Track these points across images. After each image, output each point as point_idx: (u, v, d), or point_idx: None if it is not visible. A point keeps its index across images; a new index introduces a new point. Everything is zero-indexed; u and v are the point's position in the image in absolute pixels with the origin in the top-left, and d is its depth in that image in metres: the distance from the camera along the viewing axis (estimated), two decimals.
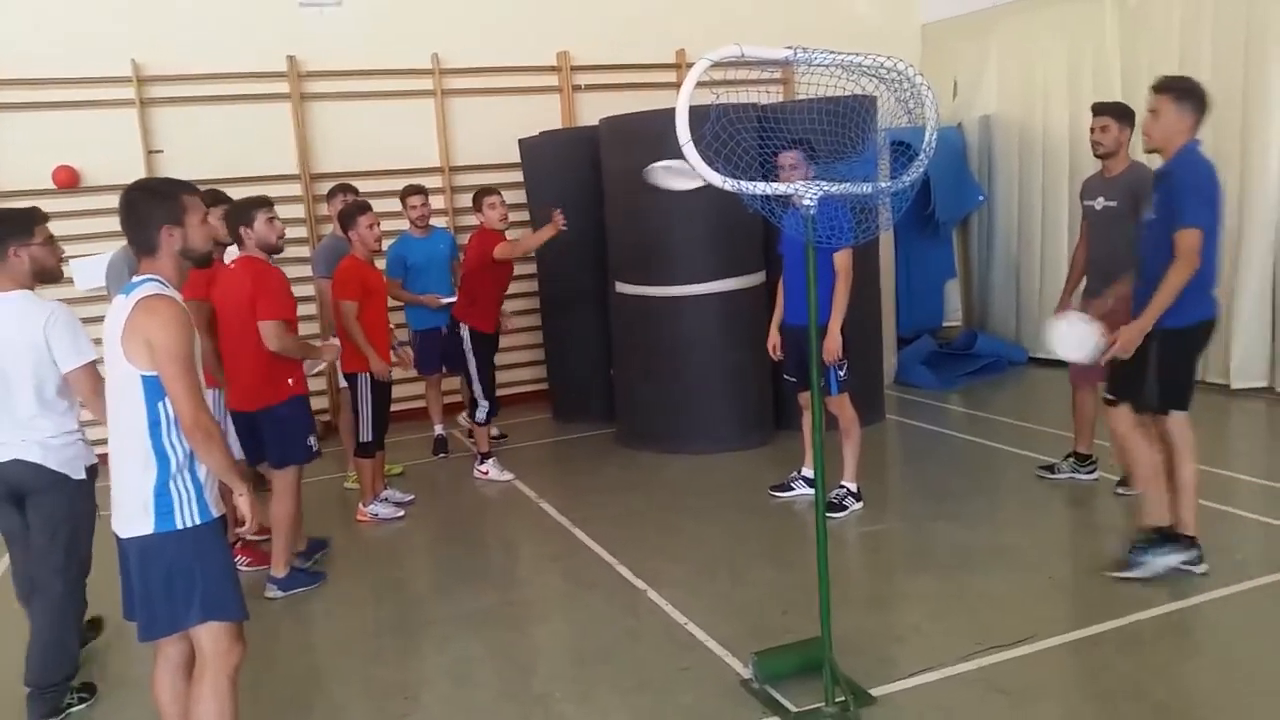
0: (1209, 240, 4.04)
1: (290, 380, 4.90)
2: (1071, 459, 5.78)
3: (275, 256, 4.99)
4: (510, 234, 6.94)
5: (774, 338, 5.76)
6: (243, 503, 3.02)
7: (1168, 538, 4.33)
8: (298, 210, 8.15)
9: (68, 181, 7.53)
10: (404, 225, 7.21)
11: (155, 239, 2.90)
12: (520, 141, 8.15)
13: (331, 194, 6.89)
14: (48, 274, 3.93)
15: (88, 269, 7.28)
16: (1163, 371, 4.19)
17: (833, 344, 5.32)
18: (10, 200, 7.45)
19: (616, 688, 3.78)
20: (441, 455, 7.36)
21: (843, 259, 5.27)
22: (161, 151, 7.75)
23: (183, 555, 2.84)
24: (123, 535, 2.88)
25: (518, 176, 8.35)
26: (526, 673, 4.02)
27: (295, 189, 8.12)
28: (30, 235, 3.84)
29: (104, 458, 3.15)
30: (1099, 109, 5.29)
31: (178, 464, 2.84)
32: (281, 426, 4.88)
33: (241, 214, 4.90)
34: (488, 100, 8.64)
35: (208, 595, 2.88)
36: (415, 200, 7.03)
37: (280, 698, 3.95)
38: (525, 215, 8.32)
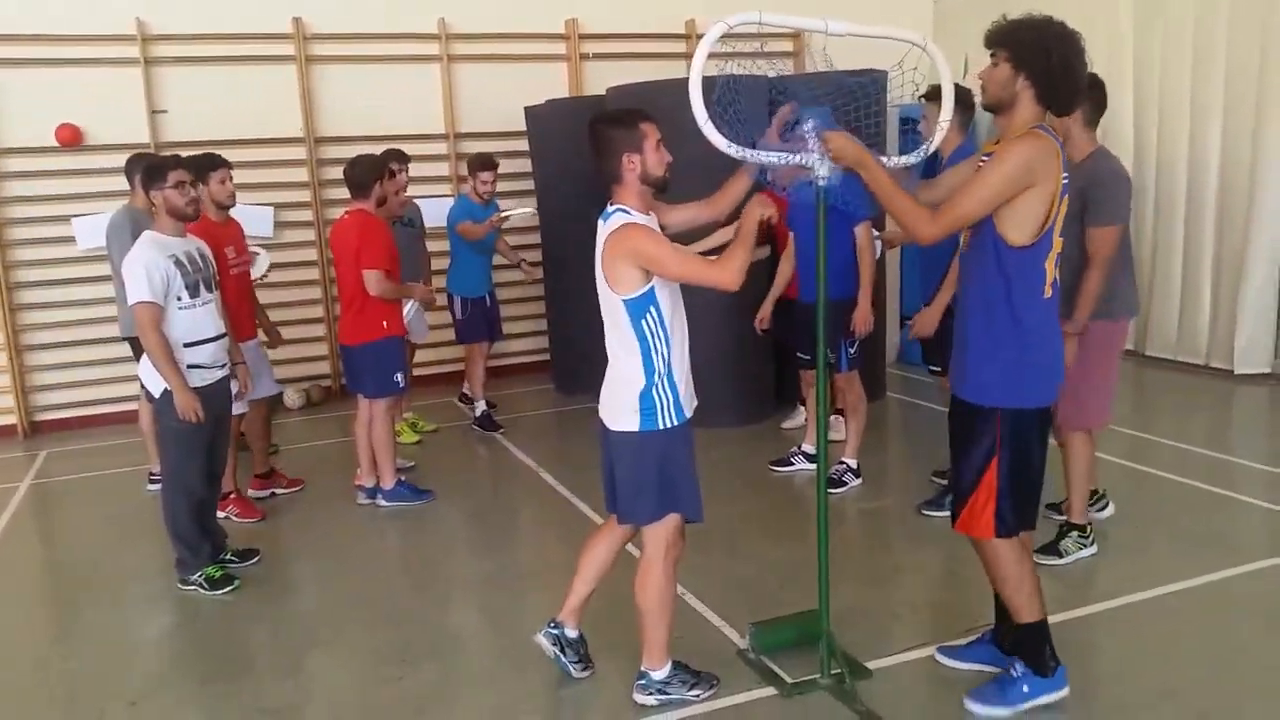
0: None
1: (385, 323, 5.43)
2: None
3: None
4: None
5: (765, 311, 5.92)
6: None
7: None
8: (301, 174, 8.11)
9: (71, 140, 7.48)
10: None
11: (617, 168, 3.12)
12: (526, 109, 8.09)
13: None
14: (179, 213, 4.39)
15: (89, 228, 7.30)
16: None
17: (864, 314, 5.28)
18: (12, 158, 7.43)
19: (614, 654, 3.77)
20: (500, 430, 7.14)
21: (863, 232, 5.22)
22: (165, 111, 7.70)
23: (662, 449, 3.20)
24: (612, 428, 3.26)
25: (523, 145, 8.30)
26: (524, 639, 4.01)
27: (300, 152, 8.07)
28: (164, 180, 4.32)
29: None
30: None
31: (660, 375, 3.17)
32: (373, 361, 5.45)
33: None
34: (494, 67, 8.58)
35: (674, 487, 3.24)
36: (487, 176, 6.90)
37: (276, 662, 3.96)
38: (531, 184, 8.28)
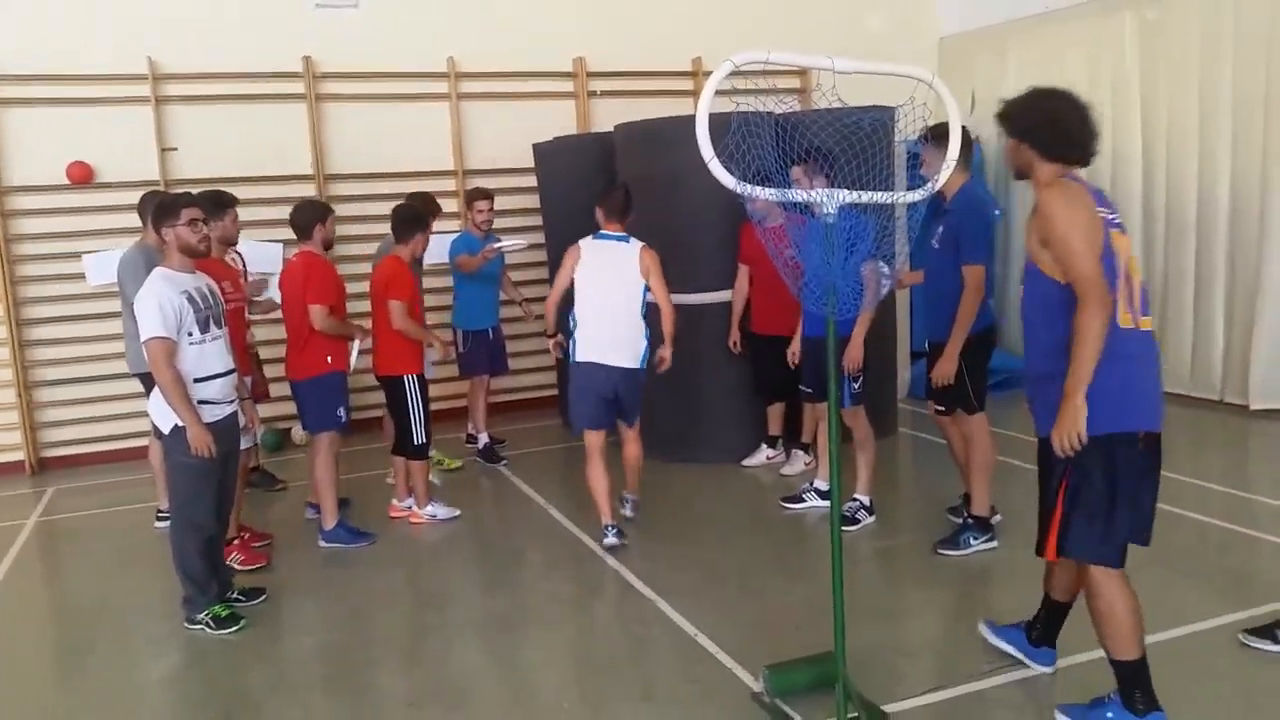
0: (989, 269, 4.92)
1: (329, 358, 5.47)
2: None
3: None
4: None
5: (795, 346, 5.82)
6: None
7: (982, 524, 5.06)
8: None
9: (82, 177, 7.52)
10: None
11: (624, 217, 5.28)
12: (535, 146, 8.12)
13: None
14: (190, 250, 4.42)
15: (99, 265, 7.31)
16: (972, 378, 4.99)
17: (855, 353, 5.25)
18: (22, 196, 7.48)
19: (625, 697, 3.72)
20: (503, 462, 7.22)
21: (868, 269, 5.18)
22: (175, 149, 7.75)
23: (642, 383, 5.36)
24: (624, 366, 5.23)
25: (531, 181, 8.33)
26: (534, 681, 3.96)
27: (310, 189, 8.09)
28: (177, 217, 4.35)
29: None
30: None
31: (651, 340, 5.27)
32: (316, 397, 5.50)
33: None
34: (503, 105, 8.63)
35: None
36: (483, 205, 7.09)
37: (282, 705, 3.90)
38: (538, 220, 8.29)
